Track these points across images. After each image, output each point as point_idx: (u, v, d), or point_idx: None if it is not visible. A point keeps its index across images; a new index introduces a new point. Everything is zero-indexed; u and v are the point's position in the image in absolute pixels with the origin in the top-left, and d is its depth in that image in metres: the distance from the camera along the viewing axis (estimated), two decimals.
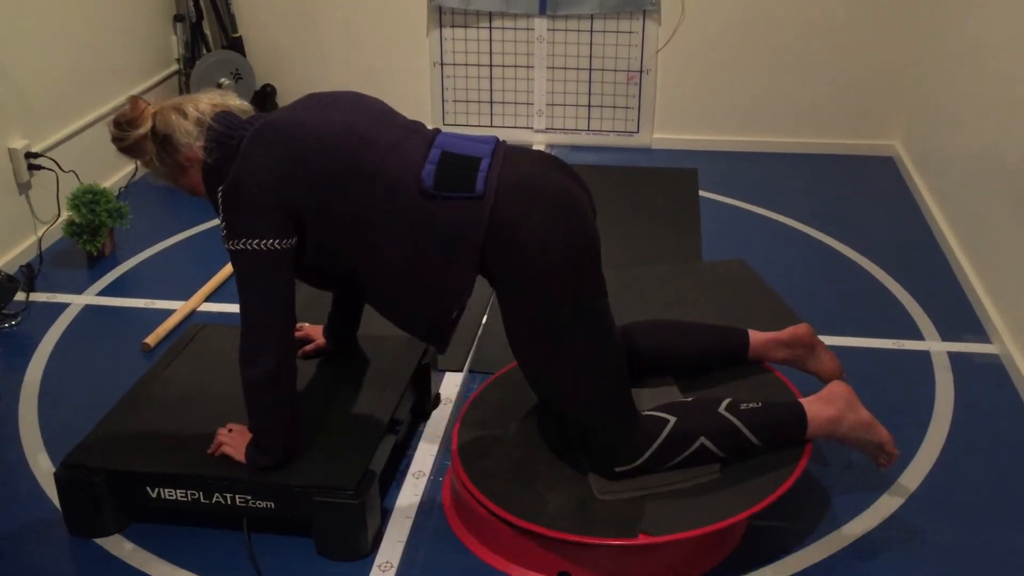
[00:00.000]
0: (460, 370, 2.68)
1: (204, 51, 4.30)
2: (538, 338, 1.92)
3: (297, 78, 4.45)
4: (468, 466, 2.09)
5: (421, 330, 2.00)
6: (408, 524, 2.13)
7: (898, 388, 2.60)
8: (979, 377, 2.65)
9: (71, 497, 2.07)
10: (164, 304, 3.06)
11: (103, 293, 3.14)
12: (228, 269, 3.23)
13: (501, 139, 2.03)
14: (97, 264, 3.32)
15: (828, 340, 2.81)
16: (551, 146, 4.37)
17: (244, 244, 1.90)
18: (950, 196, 3.41)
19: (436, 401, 2.53)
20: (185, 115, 1.97)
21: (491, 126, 4.39)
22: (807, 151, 4.26)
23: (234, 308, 3.03)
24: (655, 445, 1.97)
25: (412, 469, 2.30)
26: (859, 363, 2.70)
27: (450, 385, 2.61)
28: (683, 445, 1.98)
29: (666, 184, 3.92)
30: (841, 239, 3.44)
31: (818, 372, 2.29)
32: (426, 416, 2.49)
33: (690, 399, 2.09)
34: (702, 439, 1.98)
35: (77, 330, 2.92)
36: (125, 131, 1.97)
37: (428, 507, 2.18)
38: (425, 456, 2.35)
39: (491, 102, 4.36)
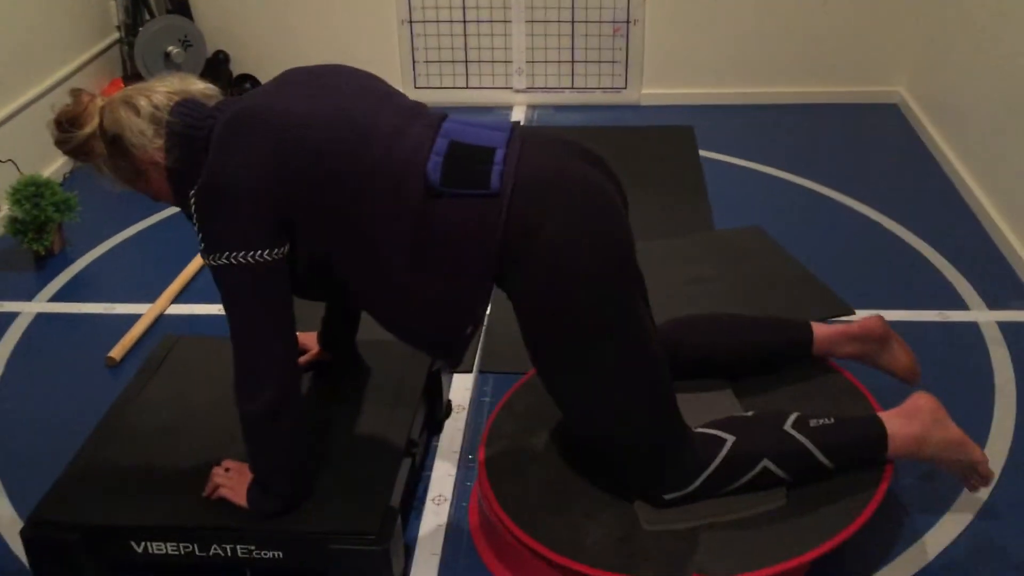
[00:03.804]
0: (469, 371, 2.40)
1: (147, 17, 3.91)
2: (566, 355, 1.66)
3: (252, 43, 4.08)
4: (497, 490, 1.83)
5: (429, 346, 1.74)
6: (435, 562, 1.87)
7: (951, 367, 2.37)
8: None
9: (42, 558, 1.77)
10: (127, 308, 2.73)
11: (56, 298, 2.80)
12: (196, 263, 2.91)
13: (516, 122, 1.73)
14: (46, 265, 2.97)
15: (863, 313, 2.58)
16: (533, 107, 4.06)
17: (228, 258, 1.60)
18: (970, 144, 3.18)
19: (448, 409, 2.26)
20: (137, 111, 1.65)
21: (467, 87, 4.07)
22: (804, 100, 4.01)
23: (207, 309, 2.72)
24: (710, 469, 1.73)
25: (431, 494, 2.03)
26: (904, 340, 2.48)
27: (460, 389, 2.34)
28: (743, 469, 1.74)
29: (661, 144, 3.65)
30: (856, 196, 3.21)
31: (893, 369, 2.04)
32: (439, 428, 2.22)
33: (750, 414, 1.83)
34: (765, 461, 1.73)
35: (29, 344, 2.59)
36: (68, 131, 1.67)
37: (455, 538, 1.92)
38: (444, 477, 2.08)
39: (466, 61, 4.03)
